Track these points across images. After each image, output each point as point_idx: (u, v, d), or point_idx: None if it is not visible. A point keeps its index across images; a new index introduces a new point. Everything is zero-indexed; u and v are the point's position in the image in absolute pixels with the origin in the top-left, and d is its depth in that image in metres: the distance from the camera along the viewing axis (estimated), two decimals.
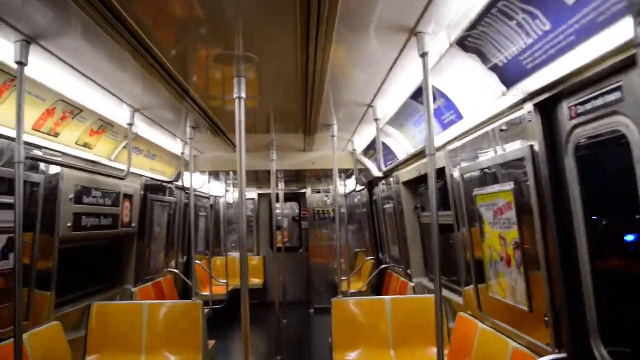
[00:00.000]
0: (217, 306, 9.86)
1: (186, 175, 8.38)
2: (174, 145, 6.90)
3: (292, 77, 3.93)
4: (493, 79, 3.19)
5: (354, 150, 7.26)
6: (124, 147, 5.59)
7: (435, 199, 3.16)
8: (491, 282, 4.14)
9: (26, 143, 3.98)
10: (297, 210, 13.83)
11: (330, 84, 4.12)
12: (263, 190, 13.08)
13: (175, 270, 8.69)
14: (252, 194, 13.29)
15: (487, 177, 3.99)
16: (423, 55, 3.14)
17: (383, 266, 8.83)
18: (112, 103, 4.54)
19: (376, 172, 7.83)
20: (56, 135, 4.28)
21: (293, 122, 5.91)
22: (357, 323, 5.82)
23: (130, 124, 4.95)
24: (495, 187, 3.82)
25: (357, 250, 11.87)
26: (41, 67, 3.46)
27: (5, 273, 3.97)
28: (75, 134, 4.56)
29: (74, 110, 4.22)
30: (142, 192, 7.06)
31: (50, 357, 4.58)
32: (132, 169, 6.35)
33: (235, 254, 12.81)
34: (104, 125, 4.89)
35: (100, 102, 4.45)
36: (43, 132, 4.09)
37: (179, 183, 8.39)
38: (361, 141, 6.98)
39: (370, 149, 7.05)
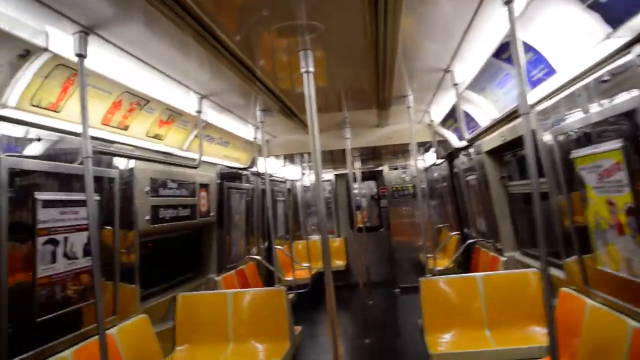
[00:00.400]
0: (301, 291, 9.80)
1: (261, 160, 8.32)
2: (246, 131, 6.79)
3: (361, 48, 3.66)
4: (594, 19, 2.75)
5: (432, 121, 6.85)
6: (196, 136, 5.51)
7: (534, 164, 2.79)
8: (599, 253, 3.68)
9: (96, 138, 3.94)
10: (375, 189, 13.53)
11: (402, 51, 3.82)
12: (340, 171, 12.87)
13: (258, 257, 8.67)
14: (328, 175, 13.10)
15: (588, 137, 3.53)
16: (508, 2, 2.76)
17: (470, 241, 8.39)
18: (180, 91, 4.44)
19: (456, 143, 7.38)
20: (126, 128, 4.22)
21: (365, 97, 5.64)
22: (448, 303, 5.50)
23: (199, 112, 4.84)
24: (599, 147, 3.37)
25: (440, 226, 11.44)
26: (103, 59, 3.36)
27: (90, 269, 3.96)
28: (145, 126, 4.49)
29: (141, 102, 4.14)
30: (218, 181, 7.01)
31: (140, 349, 4.60)
32: (206, 158, 6.32)
33: (316, 237, 12.73)
34: (173, 115, 4.80)
35: (167, 91, 4.35)
36: (113, 127, 4.03)
37: (254, 169, 8.33)
38: (439, 111, 6.57)
39: (449, 119, 6.62)
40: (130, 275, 4.63)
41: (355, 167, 10.44)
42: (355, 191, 12.12)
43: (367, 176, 13.02)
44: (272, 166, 9.66)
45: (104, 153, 3.95)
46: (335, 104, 5.94)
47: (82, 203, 3.89)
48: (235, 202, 7.74)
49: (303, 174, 11.89)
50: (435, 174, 11.26)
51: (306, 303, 9.59)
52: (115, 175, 4.34)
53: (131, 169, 4.63)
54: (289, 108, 5.82)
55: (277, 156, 8.68)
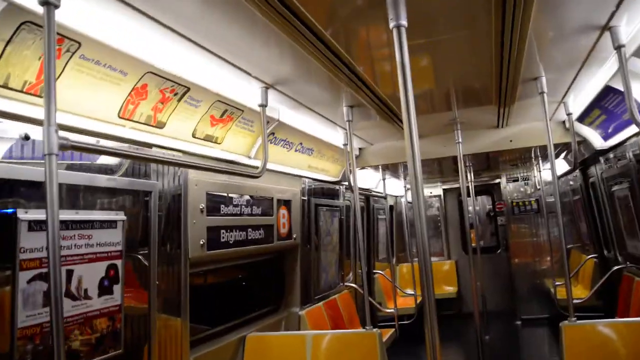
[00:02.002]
0: (405, 322, 8.46)
1: (358, 173, 7.14)
2: (335, 137, 5.64)
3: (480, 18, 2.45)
4: None
5: (570, 114, 5.24)
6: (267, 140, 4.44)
7: None
8: None
9: (113, 137, 2.95)
10: (489, 205, 11.80)
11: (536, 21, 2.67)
12: (449, 185, 11.34)
13: (353, 285, 7.44)
14: (436, 189, 11.62)
15: None
16: None
17: (616, 267, 6.57)
18: (235, 77, 3.38)
19: (600, 143, 5.70)
20: (161, 125, 3.20)
21: (482, 90, 4.46)
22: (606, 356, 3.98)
23: (263, 106, 3.75)
24: None
25: (570, 246, 9.56)
26: (103, 19, 2.36)
27: (110, 311, 2.97)
28: (189, 124, 3.46)
29: (177, 88, 3.11)
30: (304, 197, 5.92)
31: None
32: (283, 168, 5.26)
33: None
34: (231, 111, 3.75)
35: (216, 75, 3.30)
36: (139, 122, 3.03)
37: (348, 183, 7.16)
38: (578, 102, 5.00)
39: (593, 110, 4.98)
40: (173, 315, 3.60)
41: (468, 180, 8.91)
42: (469, 207, 10.59)
43: (480, 190, 11.37)
44: (370, 179, 8.42)
45: (116, 154, 2.91)
46: (442, 101, 4.85)
47: (99, 224, 2.92)
48: (326, 221, 6.59)
49: (407, 188, 10.51)
50: (564, 186, 9.47)
51: (411, 336, 8.28)
52: (152, 188, 3.34)
53: (179, 181, 3.63)
54: (387, 106, 4.65)
55: (374, 167, 7.43)
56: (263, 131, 3.80)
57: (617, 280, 6.54)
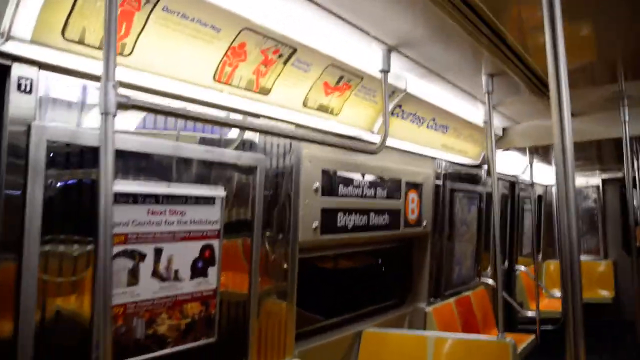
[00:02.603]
0: (548, 327, 7.51)
1: (501, 156, 6.37)
2: (475, 113, 4.96)
3: None
4: None
5: None
6: (393, 114, 3.93)
7: None
8: None
9: (207, 104, 2.64)
10: None
11: None
12: (609, 174, 9.85)
13: (490, 282, 6.68)
14: (593, 179, 10.18)
15: None
16: None
17: None
18: (352, 37, 2.93)
19: None
20: (265, 92, 2.84)
21: None
22: None
23: (385, 71, 3.24)
24: None
25: None
26: None
27: (203, 296, 2.71)
28: (299, 91, 3.06)
29: (282, 49, 2.72)
30: (438, 181, 5.33)
31: None
32: (421, 149, 4.73)
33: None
34: (348, 78, 3.29)
35: (329, 35, 2.87)
36: (239, 87, 2.69)
37: (488, 166, 6.40)
38: None
39: None
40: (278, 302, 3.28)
41: (635, 167, 7.57)
42: (634, 201, 9.15)
43: None
44: (516, 164, 7.51)
45: (206, 121, 2.57)
46: (605, 71, 4.04)
47: (194, 200, 2.65)
48: (462, 209, 5.93)
49: None
50: None
51: (554, 344, 7.34)
52: (257, 163, 3.01)
53: (290, 156, 3.27)
54: (537, 77, 3.94)
55: (521, 150, 6.54)
56: (384, 101, 3.29)
57: None
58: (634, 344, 4.95)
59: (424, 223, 5.00)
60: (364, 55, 3.19)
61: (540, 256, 9.74)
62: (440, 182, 5.40)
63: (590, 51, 3.62)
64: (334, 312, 4.26)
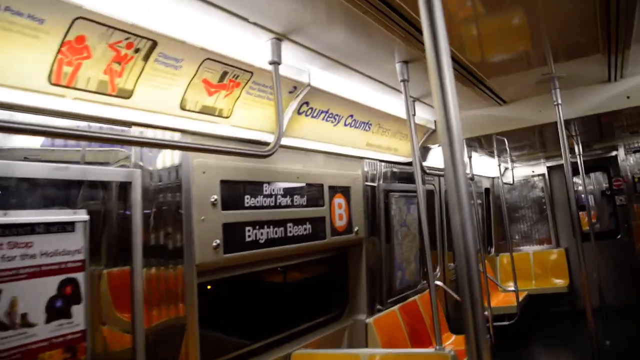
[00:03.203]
0: (505, 323, 7.29)
1: (433, 150, 6.10)
2: (398, 106, 4.65)
3: None
4: None
5: None
6: (298, 112, 3.56)
7: None
8: None
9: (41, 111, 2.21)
10: (605, 183, 10.00)
11: None
12: (555, 162, 9.73)
13: (439, 283, 6.38)
14: (539, 167, 10.07)
15: None
16: None
17: None
18: (228, 25, 2.56)
19: None
20: (125, 95, 2.43)
21: (586, 35, 3.47)
22: None
23: (275, 63, 2.88)
24: None
25: None
26: None
27: (67, 340, 2.27)
28: (173, 91, 2.65)
29: (135, 41, 2.31)
30: (370, 182, 5.00)
31: None
32: (342, 150, 4.39)
33: (526, 249, 9.89)
34: (234, 73, 2.90)
35: (199, 23, 2.49)
36: (86, 90, 2.27)
37: (428, 163, 6.11)
38: None
39: None
40: (175, 338, 2.85)
41: (576, 153, 7.44)
42: (579, 187, 9.06)
43: (593, 165, 9.68)
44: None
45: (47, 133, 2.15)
46: (536, 54, 3.89)
47: (44, 228, 2.22)
48: (400, 210, 5.61)
49: (505, 168, 9.17)
50: None
51: (511, 339, 7.20)
52: (131, 178, 2.59)
53: (176, 168, 2.86)
54: (463, 67, 3.69)
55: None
56: (276, 96, 2.92)
57: None
58: (590, 337, 4.70)
59: (356, 229, 4.65)
60: (250, 46, 2.82)
61: (492, 250, 9.55)
62: (374, 184, 5.08)
63: (519, 36, 3.39)
64: (261, 334, 3.85)
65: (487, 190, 9.30)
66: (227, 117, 3.02)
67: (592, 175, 9.97)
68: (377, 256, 5.05)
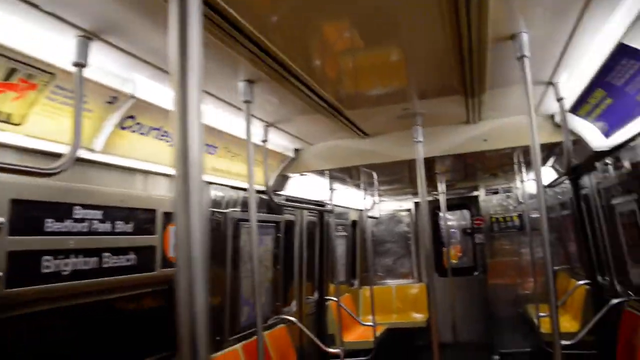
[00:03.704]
0: (361, 358, 7.17)
1: (294, 180, 5.85)
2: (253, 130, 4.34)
3: None
4: None
5: (561, 99, 3.88)
6: (122, 126, 3.12)
7: None
8: None
9: None
10: (467, 220, 10.40)
11: None
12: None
13: (291, 319, 6.07)
14: (406, 203, 10.27)
15: None
16: None
17: (616, 301, 5.25)
18: (15, 14, 2.09)
19: (599, 142, 4.43)
20: None
21: (445, 76, 3.47)
22: None
23: (80, 65, 2.43)
24: None
25: (557, 268, 8.29)
26: None
27: None
28: None
29: None
30: (217, 209, 4.62)
31: None
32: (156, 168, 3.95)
33: (390, 282, 9.96)
34: (27, 72, 2.41)
35: None
36: None
37: (286, 192, 5.86)
38: (572, 86, 3.71)
39: (596, 88, 3.66)
40: None
41: (439, 191, 7.58)
42: (442, 222, 9.31)
43: (456, 204, 10.06)
44: (323, 189, 7.08)
45: None
46: (399, 90, 3.83)
47: None
48: (246, 240, 5.26)
49: (374, 202, 9.20)
50: (552, 199, 8.26)
51: None
52: None
53: None
54: (319, 95, 3.47)
55: (319, 173, 6.04)
56: (76, 103, 2.47)
57: (615, 313, 5.25)
58: None
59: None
60: (51, 43, 2.36)
61: (355, 282, 9.48)
62: (224, 211, 4.70)
63: (380, 72, 3.23)
64: None
65: (354, 222, 9.25)
66: (18, 124, 2.50)
67: (458, 213, 10.33)
68: (220, 290, 4.64)
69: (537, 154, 2.86)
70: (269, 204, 5.62)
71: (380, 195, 8.92)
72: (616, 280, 5.52)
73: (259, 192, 5.34)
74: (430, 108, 4.24)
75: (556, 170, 6.61)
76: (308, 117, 4.31)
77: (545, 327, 6.66)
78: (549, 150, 5.35)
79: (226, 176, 4.56)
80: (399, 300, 9.62)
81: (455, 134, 4.93)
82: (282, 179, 5.55)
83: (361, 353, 7.30)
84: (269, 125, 4.30)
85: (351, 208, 8.89)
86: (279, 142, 4.91)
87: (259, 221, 5.38)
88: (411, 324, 8.93)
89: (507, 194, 9.03)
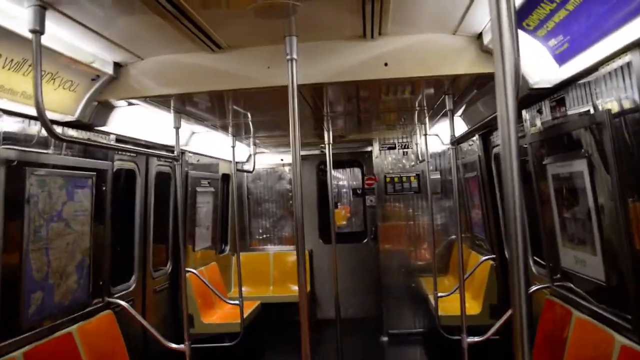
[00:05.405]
0: (226, 344, 5.84)
1: (135, 113, 4.26)
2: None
3: None
4: None
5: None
6: None
7: None
8: None
9: None
10: (358, 180, 9.18)
11: None
12: (308, 151, 8.49)
13: (119, 302, 4.48)
14: (288, 156, 8.80)
15: None
16: None
17: (541, 286, 4.18)
18: None
19: (543, 75, 3.22)
20: None
21: None
22: None
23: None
24: None
25: (453, 238, 7.36)
26: None
27: None
28: None
29: None
30: None
31: None
32: None
33: (269, 248, 8.61)
34: None
35: None
36: None
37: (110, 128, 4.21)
38: None
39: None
40: None
41: (324, 141, 6.12)
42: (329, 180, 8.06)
43: (348, 160, 8.79)
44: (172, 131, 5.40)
45: None
46: None
47: None
48: (50, 197, 3.59)
49: (250, 153, 7.70)
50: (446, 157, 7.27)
51: None
52: None
53: None
54: None
55: (157, 101, 4.29)
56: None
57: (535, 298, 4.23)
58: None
59: None
60: None
61: (226, 248, 8.02)
62: None
63: None
64: None
65: (225, 176, 7.70)
66: None
67: (349, 171, 9.09)
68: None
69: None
70: (86, 144, 3.95)
71: (256, 145, 7.41)
72: (532, 260, 4.56)
73: (63, 123, 3.65)
74: (311, 12, 2.80)
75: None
76: (134, 17, 2.76)
77: (442, 308, 5.65)
78: (467, 87, 4.12)
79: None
80: (277, 270, 8.28)
81: (345, 53, 3.53)
82: (103, 109, 3.87)
83: (226, 338, 5.94)
84: (46, 5, 2.57)
85: (220, 159, 7.32)
86: (86, 48, 3.24)
87: (67, 167, 3.73)
88: (289, 298, 7.65)
89: (405, 150, 7.85)
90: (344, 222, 8.96)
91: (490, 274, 5.66)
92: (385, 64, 3.49)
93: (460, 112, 5.31)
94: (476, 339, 4.16)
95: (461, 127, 5.47)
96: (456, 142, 4.70)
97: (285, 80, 2.76)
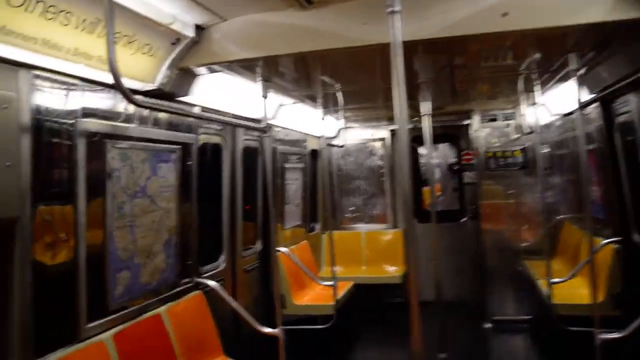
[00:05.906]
0: (319, 326, 5.56)
1: (217, 81, 4.00)
2: None
3: None
4: None
5: None
6: None
7: None
8: None
9: None
10: (453, 156, 8.46)
11: None
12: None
13: (208, 282, 4.27)
14: (380, 131, 8.29)
15: None
16: None
17: None
18: None
19: None
20: None
21: None
22: None
23: None
24: None
25: (563, 217, 6.56)
26: None
27: None
28: None
29: None
30: (55, 123, 2.74)
31: None
32: None
33: (359, 227, 8.21)
34: None
35: None
36: None
37: (193, 99, 3.97)
38: None
39: None
40: None
41: (422, 112, 5.50)
42: (426, 159, 7.42)
43: (441, 134, 8.04)
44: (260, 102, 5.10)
45: None
46: None
47: None
48: (133, 171, 3.40)
49: (338, 128, 7.29)
50: (560, 131, 6.40)
51: (326, 349, 5.94)
52: None
53: None
54: None
55: (242, 65, 3.95)
56: None
57: None
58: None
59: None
60: None
61: (316, 226, 7.73)
62: (62, 122, 2.80)
63: None
64: None
65: (314, 152, 7.39)
66: None
67: (441, 146, 8.44)
68: (67, 251, 2.81)
69: None
70: (169, 116, 3.73)
71: (346, 119, 6.99)
72: None
73: (142, 93, 3.43)
74: None
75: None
76: None
77: (558, 296, 5.00)
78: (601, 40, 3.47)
79: (59, 55, 2.62)
80: (369, 249, 7.88)
81: (456, 2, 3.04)
82: (185, 77, 3.61)
83: (319, 320, 5.65)
84: None
85: (309, 134, 7.00)
86: (164, 8, 2.97)
87: (149, 140, 3.53)
88: (383, 280, 7.24)
89: (508, 122, 7.11)
90: (442, 198, 8.34)
91: (613, 259, 4.94)
92: (505, 14, 2.96)
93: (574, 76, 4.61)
94: (613, 335, 3.53)
95: (567, 96, 4.75)
96: (584, 106, 4.03)
97: (384, 37, 2.32)
